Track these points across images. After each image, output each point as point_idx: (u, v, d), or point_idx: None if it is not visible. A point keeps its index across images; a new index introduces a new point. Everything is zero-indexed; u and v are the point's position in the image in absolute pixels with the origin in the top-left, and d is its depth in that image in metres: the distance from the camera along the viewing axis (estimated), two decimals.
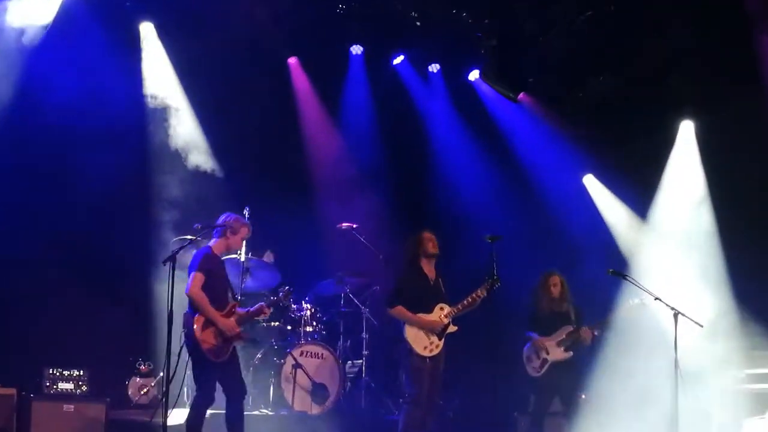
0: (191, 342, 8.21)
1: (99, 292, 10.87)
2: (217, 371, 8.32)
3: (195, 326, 8.20)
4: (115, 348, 10.71)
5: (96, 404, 9.39)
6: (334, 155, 12.70)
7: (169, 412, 8.03)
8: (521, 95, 13.15)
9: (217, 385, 8.35)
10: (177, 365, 8.18)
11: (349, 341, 11.30)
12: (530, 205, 12.74)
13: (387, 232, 11.79)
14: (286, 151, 12.45)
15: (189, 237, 9.48)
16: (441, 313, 8.97)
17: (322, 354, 10.54)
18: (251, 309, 8.58)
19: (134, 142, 11.29)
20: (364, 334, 11.16)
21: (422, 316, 8.94)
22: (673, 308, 9.10)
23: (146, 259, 10.76)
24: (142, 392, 10.49)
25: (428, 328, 8.89)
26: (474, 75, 13.14)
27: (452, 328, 8.99)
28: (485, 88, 13.13)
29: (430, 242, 9.13)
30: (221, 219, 8.64)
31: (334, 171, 12.63)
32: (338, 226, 11.24)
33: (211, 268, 8.37)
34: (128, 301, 11.02)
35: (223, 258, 8.76)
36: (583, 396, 10.50)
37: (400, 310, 8.92)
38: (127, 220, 11.15)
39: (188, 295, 8.29)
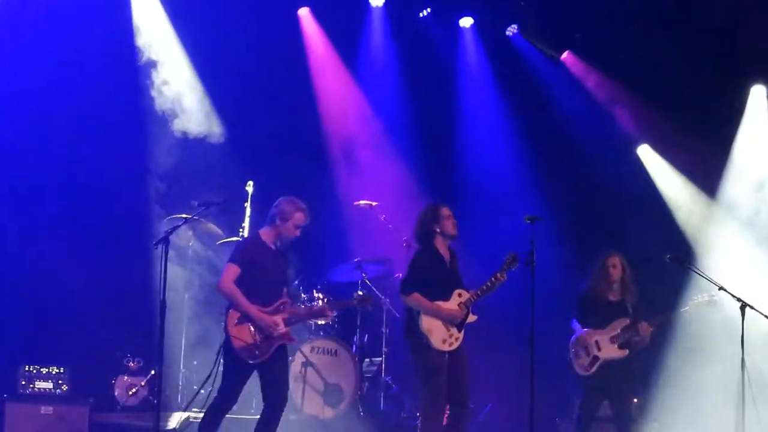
0: (225, 337, 8.14)
1: (81, 278, 10.65)
2: (248, 373, 8.23)
3: (228, 321, 8.11)
4: (100, 342, 10.55)
5: (78, 406, 9.33)
6: (351, 121, 12.47)
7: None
8: (565, 54, 12.92)
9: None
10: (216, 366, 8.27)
11: (366, 336, 11.17)
12: (575, 180, 12.52)
13: (410, 210, 11.40)
14: (296, 115, 12.15)
15: (184, 216, 9.43)
16: (459, 300, 8.59)
17: (335, 350, 10.45)
18: (312, 305, 8.56)
19: (121, 103, 11.07)
20: (384, 328, 10.97)
21: (441, 304, 8.57)
22: (739, 299, 8.93)
23: (137, 240, 10.57)
24: (130, 393, 10.30)
25: (447, 318, 8.54)
26: (512, 30, 12.87)
27: (472, 318, 8.64)
28: (524, 46, 12.93)
29: (450, 221, 8.75)
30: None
31: (350, 139, 12.43)
32: (355, 203, 11.12)
33: (252, 259, 8.21)
34: (116, 288, 10.84)
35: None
36: (636, 401, 10.29)
37: (417, 298, 8.55)
38: (114, 194, 10.91)
39: (218, 289, 8.22)
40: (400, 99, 12.70)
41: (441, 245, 8.77)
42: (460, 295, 8.64)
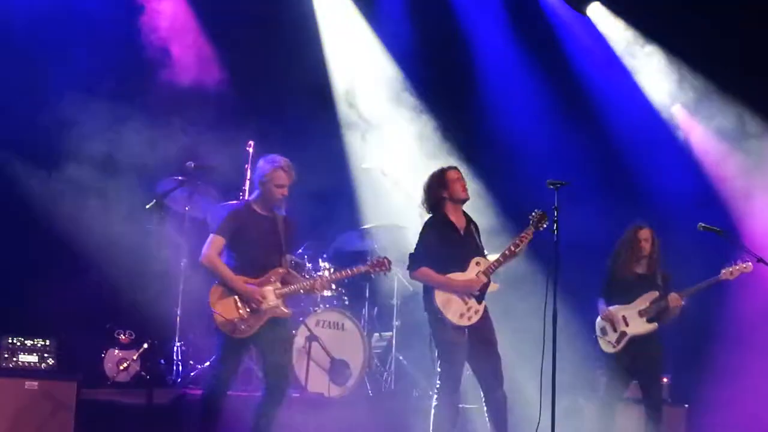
0: (210, 316, 8.04)
1: (69, 243, 10.44)
2: (240, 350, 8.14)
3: (211, 296, 8.00)
4: (88, 313, 10.34)
5: (65, 381, 9.01)
6: (363, 77, 12.29)
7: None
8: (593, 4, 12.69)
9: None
10: None
11: (376, 309, 11.15)
12: (602, 142, 12.37)
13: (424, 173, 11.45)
14: (302, 65, 11.93)
15: (179, 178, 9.39)
16: (478, 269, 8.30)
17: (343, 324, 10.33)
18: (311, 279, 8.36)
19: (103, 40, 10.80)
20: (394, 300, 10.86)
21: (454, 275, 8.31)
22: None
23: (129, 204, 10.38)
24: (121, 368, 10.13)
25: (463, 290, 8.27)
26: None
27: (494, 287, 8.37)
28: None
29: (458, 183, 8.49)
30: None
31: (360, 94, 12.23)
32: (363, 166, 11.11)
33: (240, 228, 8.08)
34: (106, 255, 10.50)
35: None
36: (665, 380, 10.18)
37: (424, 272, 8.33)
38: (103, 150, 10.69)
39: (200, 262, 8.10)
40: (416, 55, 12.51)
41: (453, 212, 8.53)
42: (478, 263, 8.38)
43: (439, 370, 8.33)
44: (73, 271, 10.57)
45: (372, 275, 8.86)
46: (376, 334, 11.17)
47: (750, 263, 9.16)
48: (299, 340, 10.02)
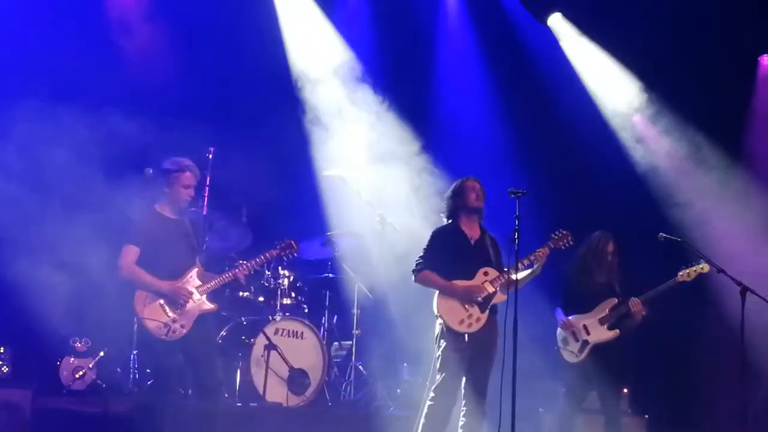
0: (138, 324, 8.20)
1: (24, 250, 10.14)
2: (175, 353, 8.18)
3: (136, 304, 8.08)
4: (44, 321, 10.05)
5: (19, 390, 9.00)
6: (323, 84, 12.05)
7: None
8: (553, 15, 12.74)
9: None
10: None
11: (336, 317, 11.11)
12: (560, 150, 12.36)
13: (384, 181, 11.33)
14: (259, 68, 11.78)
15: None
16: (484, 279, 8.36)
17: (302, 333, 10.25)
18: (226, 273, 8.40)
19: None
20: (355, 310, 10.80)
21: (457, 282, 8.37)
22: (739, 283, 8.76)
23: (83, 210, 10.05)
24: (77, 375, 9.98)
25: (464, 296, 8.31)
26: None
27: (501, 297, 8.35)
28: (512, 5, 12.81)
29: (473, 193, 8.56)
30: None
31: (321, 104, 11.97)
32: (325, 173, 11.07)
33: (151, 235, 8.14)
34: (61, 262, 10.19)
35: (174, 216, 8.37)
36: (626, 391, 10.16)
37: (426, 275, 8.39)
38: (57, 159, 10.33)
39: (118, 273, 8.17)
40: (376, 54, 12.37)
41: (466, 223, 8.62)
42: (486, 273, 8.47)
43: (438, 375, 8.35)
44: (27, 279, 10.22)
45: (284, 258, 9.01)
46: (336, 343, 11.16)
47: (705, 264, 9.18)
48: (258, 349, 9.97)
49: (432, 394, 8.35)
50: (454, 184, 8.73)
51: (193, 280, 8.22)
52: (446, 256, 8.45)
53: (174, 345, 8.09)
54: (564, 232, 8.58)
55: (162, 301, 8.07)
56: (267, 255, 8.66)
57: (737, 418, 8.67)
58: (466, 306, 8.34)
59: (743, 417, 8.64)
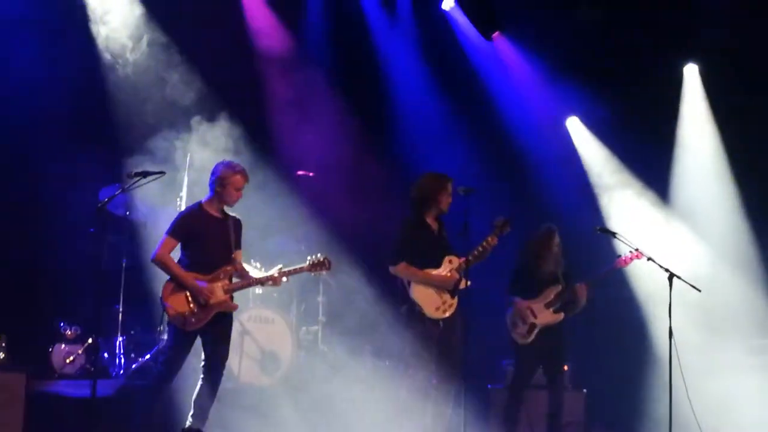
0: (163, 310, 8.16)
1: (18, 243, 10.57)
2: (188, 342, 8.23)
3: (164, 291, 8.14)
4: (36, 310, 10.48)
5: (14, 374, 9.01)
6: (287, 98, 12.26)
7: None
8: (496, 34, 12.89)
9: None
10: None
11: (303, 306, 11.14)
12: (507, 155, 12.57)
13: (348, 182, 11.72)
14: (233, 78, 11.78)
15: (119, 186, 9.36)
16: (450, 266, 8.60)
17: (272, 319, 10.43)
18: (259, 278, 8.44)
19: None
20: (320, 298, 11.01)
21: (431, 271, 8.58)
22: (667, 270, 8.96)
23: (75, 208, 10.49)
24: (67, 361, 10.22)
25: (440, 285, 8.56)
26: (448, 4, 12.80)
27: (464, 284, 8.58)
28: (461, 20, 12.83)
29: (449, 198, 8.73)
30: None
31: (286, 111, 12.22)
32: (298, 173, 11.19)
33: (192, 229, 8.21)
34: (53, 255, 10.69)
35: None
36: (566, 368, 10.31)
37: (405, 267, 8.52)
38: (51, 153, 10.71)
39: (153, 261, 8.19)
40: (331, 75, 12.52)
41: (430, 216, 8.75)
42: (450, 261, 8.65)
43: (412, 358, 8.52)
44: (21, 271, 10.60)
45: (312, 274, 8.88)
46: (304, 328, 11.18)
47: (640, 253, 9.38)
48: (233, 335, 9.95)
49: (408, 380, 8.53)
50: (429, 179, 8.80)
51: (223, 277, 8.23)
52: (418, 247, 8.59)
53: (186, 335, 8.14)
54: (503, 218, 8.70)
55: (187, 293, 8.09)
56: (298, 268, 8.49)
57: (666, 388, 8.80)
58: (441, 294, 8.56)
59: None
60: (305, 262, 8.56)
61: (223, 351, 8.33)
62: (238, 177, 8.31)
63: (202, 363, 8.25)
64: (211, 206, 8.33)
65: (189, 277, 8.14)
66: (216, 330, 8.24)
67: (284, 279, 8.46)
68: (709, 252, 11.69)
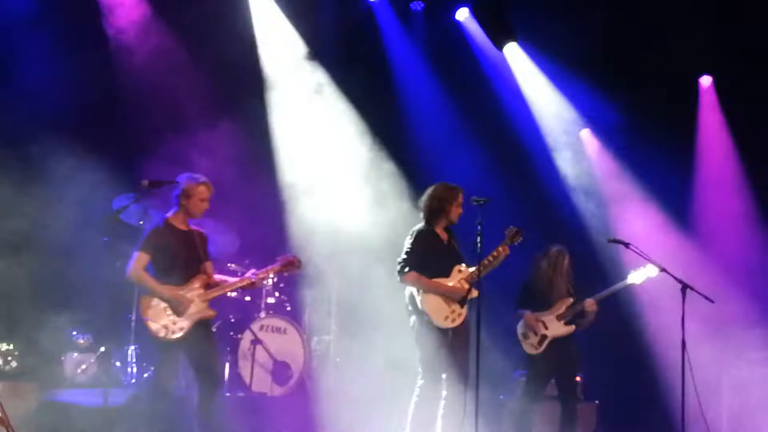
0: (143, 323, 8.17)
1: (28, 253, 10.35)
2: (174, 352, 8.22)
3: (141, 306, 8.15)
4: (49, 319, 10.13)
5: (26, 383, 9.19)
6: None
7: None
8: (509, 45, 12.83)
9: None
10: None
11: (315, 315, 11.11)
12: (520, 165, 12.55)
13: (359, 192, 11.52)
14: (241, 87, 11.73)
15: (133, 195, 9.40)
16: (460, 276, 8.57)
17: (285, 329, 10.45)
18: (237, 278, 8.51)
19: None
20: (332, 307, 10.99)
21: (440, 281, 8.54)
22: (680, 281, 8.88)
23: (88, 217, 10.37)
24: (79, 370, 10.18)
25: (449, 295, 8.51)
26: (462, 14, 12.78)
27: (474, 293, 8.53)
28: (475, 30, 12.79)
29: (459, 209, 8.70)
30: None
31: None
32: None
33: (161, 244, 8.23)
34: (64, 266, 10.55)
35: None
36: (579, 379, 10.39)
37: (414, 276, 8.47)
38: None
39: (126, 277, 8.22)
40: (342, 83, 12.31)
41: (440, 226, 8.73)
42: (460, 271, 8.62)
43: (421, 368, 8.48)
44: (34, 280, 10.42)
45: (284, 273, 8.99)
46: (315, 338, 11.18)
47: (652, 267, 9.32)
48: (245, 344, 10.18)
49: (419, 388, 8.45)
50: (440, 189, 8.74)
51: (197, 288, 8.26)
52: (427, 257, 8.54)
53: (172, 345, 8.13)
54: (514, 228, 8.66)
55: (165, 305, 8.12)
56: (271, 269, 8.58)
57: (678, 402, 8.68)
58: (450, 303, 8.50)
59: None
60: (275, 262, 8.62)
61: (211, 357, 8.36)
62: (202, 188, 8.36)
63: (195, 378, 8.29)
64: (177, 220, 8.38)
65: (166, 288, 8.18)
66: (199, 338, 8.25)
67: (264, 282, 8.66)
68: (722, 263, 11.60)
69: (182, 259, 8.29)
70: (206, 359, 8.29)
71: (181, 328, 8.14)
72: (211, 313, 8.36)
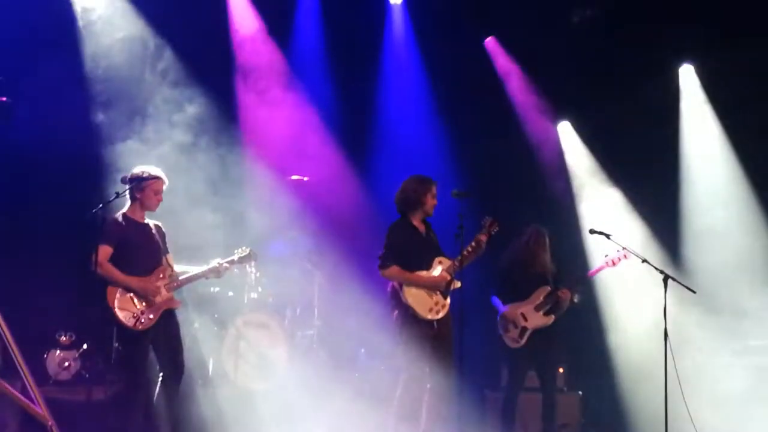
0: (110, 314, 8.18)
1: (12, 251, 10.46)
2: (143, 342, 8.26)
3: (108, 297, 8.20)
4: (31, 316, 10.12)
5: (9, 381, 8.41)
6: (277, 96, 12.05)
7: None
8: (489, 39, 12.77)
9: None
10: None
11: (298, 310, 11.08)
12: (500, 158, 12.39)
13: (341, 185, 11.63)
14: (218, 87, 11.66)
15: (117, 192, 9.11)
16: (441, 267, 8.59)
17: (267, 323, 10.39)
18: (194, 274, 8.54)
19: None
20: (316, 302, 10.94)
21: (422, 273, 8.57)
22: (662, 271, 8.86)
23: (69, 214, 10.17)
24: (62, 367, 10.16)
25: (431, 287, 8.54)
26: None
27: (456, 284, 8.59)
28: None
29: (434, 200, 8.73)
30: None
31: (278, 110, 11.98)
32: (290, 177, 11.15)
33: (122, 236, 8.30)
34: (47, 262, 10.62)
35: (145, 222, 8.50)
36: (561, 370, 10.39)
37: (395, 270, 8.51)
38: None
39: (95, 271, 8.21)
40: (326, 79, 12.38)
41: (416, 218, 8.74)
42: (440, 262, 8.65)
43: (405, 362, 8.47)
44: (17, 277, 10.46)
45: (245, 265, 9.30)
46: (299, 333, 11.08)
47: (623, 255, 9.39)
48: (228, 339, 10.12)
49: (403, 381, 8.46)
50: (414, 183, 8.76)
51: (161, 278, 8.36)
52: (406, 250, 8.57)
53: (141, 335, 8.20)
54: (490, 218, 8.67)
55: (131, 295, 8.21)
56: (230, 260, 8.69)
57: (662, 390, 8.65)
58: (432, 295, 8.53)
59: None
60: (234, 255, 8.76)
61: (175, 350, 8.41)
62: (156, 181, 8.40)
63: (159, 367, 8.34)
64: (134, 214, 8.45)
65: (133, 279, 8.25)
66: (165, 327, 8.34)
67: (226, 270, 8.62)
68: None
69: (144, 250, 8.38)
70: (172, 348, 8.36)
71: (150, 318, 8.23)
72: (176, 302, 8.44)
